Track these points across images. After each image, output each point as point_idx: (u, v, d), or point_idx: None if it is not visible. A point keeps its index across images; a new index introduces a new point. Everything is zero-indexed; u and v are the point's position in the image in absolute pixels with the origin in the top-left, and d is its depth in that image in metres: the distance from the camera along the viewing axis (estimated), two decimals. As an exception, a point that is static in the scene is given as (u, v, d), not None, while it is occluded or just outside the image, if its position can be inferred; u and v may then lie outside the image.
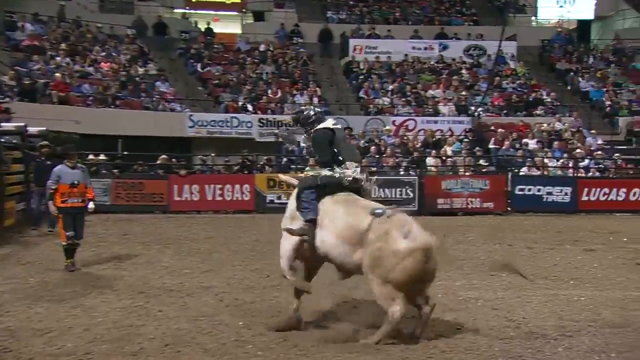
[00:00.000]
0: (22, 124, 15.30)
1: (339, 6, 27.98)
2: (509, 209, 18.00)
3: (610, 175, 19.31)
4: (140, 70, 22.72)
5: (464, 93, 23.22)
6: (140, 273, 9.21)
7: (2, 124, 15.22)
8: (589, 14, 28.27)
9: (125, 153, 19.44)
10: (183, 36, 25.44)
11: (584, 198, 18.23)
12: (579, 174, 19.18)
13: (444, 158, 19.66)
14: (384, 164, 19.39)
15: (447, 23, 27.31)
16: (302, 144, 20.36)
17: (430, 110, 22.65)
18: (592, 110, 23.62)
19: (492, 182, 18.07)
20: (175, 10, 28.11)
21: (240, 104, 22.10)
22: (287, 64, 24.47)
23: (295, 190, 6.62)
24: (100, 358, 5.55)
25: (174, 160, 18.95)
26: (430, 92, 23.30)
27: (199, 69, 23.77)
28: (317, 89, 23.37)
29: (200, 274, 9.21)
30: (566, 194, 18.21)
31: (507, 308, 7.16)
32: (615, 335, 6.10)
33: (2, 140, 14.11)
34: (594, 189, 18.34)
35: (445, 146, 20.18)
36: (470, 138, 20.75)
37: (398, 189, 17.86)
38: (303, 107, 7.46)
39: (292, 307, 6.45)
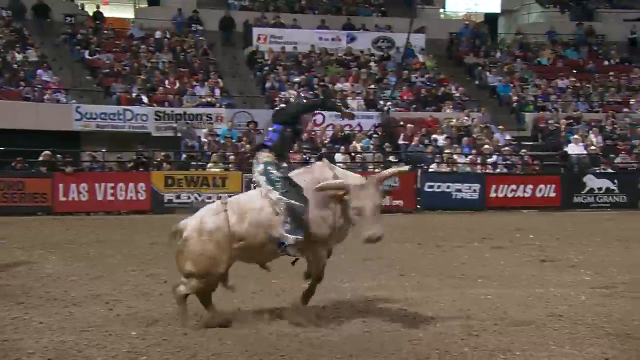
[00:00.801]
0: None
1: (241, -8, 27.84)
2: (418, 206, 18.55)
3: (517, 172, 20.32)
4: (19, 57, 21.65)
5: (372, 87, 23.68)
6: (19, 281, 8.78)
7: None
8: (496, 8, 29.58)
9: (2, 149, 18.46)
10: (68, 20, 24.44)
11: (492, 195, 19.10)
12: (487, 171, 20.05)
13: (353, 154, 20.00)
14: (291, 160, 19.45)
15: (354, 13, 27.74)
16: (204, 139, 20.09)
17: (339, 104, 22.92)
18: (499, 105, 24.72)
19: (401, 179, 18.55)
20: (58, -9, 26.98)
21: (134, 95, 21.51)
22: (185, 53, 24.06)
23: None
24: (-29, 378, 5.26)
25: (59, 156, 18.22)
26: (339, 86, 23.61)
27: (87, 57, 22.94)
28: (219, 80, 23.14)
29: (88, 281, 8.91)
30: (475, 190, 19.00)
31: (415, 308, 7.37)
32: (520, 333, 6.42)
33: None
34: (501, 186, 19.26)
35: (354, 142, 20.53)
36: (379, 133, 21.21)
37: (305, 187, 17.98)
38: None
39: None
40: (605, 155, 21.24)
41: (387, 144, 20.66)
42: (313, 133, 20.81)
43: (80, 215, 16.87)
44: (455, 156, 20.36)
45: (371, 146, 20.49)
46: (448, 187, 18.95)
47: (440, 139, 20.96)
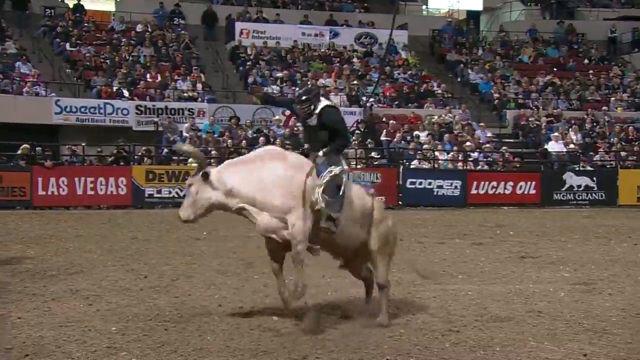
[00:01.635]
0: None
1: (224, -14, 27.70)
2: (400, 202, 18.61)
3: (498, 169, 20.46)
4: (-3, 49, 21.40)
5: (355, 83, 23.69)
6: (-4, 276, 8.70)
7: None
8: (478, 5, 29.74)
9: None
10: (47, 12, 24.18)
11: (473, 191, 19.22)
12: (469, 168, 20.16)
13: (335, 150, 19.98)
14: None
15: (337, 9, 27.77)
16: (185, 134, 20.01)
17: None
18: (481, 102, 24.87)
19: (383, 176, 18.62)
20: (38, -17, 26.65)
21: (115, 89, 21.33)
22: (167, 47, 23.91)
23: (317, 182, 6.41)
24: (-53, 374, 5.19)
25: (38, 149, 18.02)
26: (321, 81, 23.59)
27: (67, 50, 22.71)
28: (201, 74, 23.04)
29: (68, 276, 8.82)
30: (456, 187, 19.10)
31: (396, 304, 7.39)
32: (500, 329, 6.47)
33: None
34: (482, 183, 19.39)
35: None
36: (361, 129, 21.25)
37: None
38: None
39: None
40: (585, 152, 21.46)
41: (369, 140, 20.69)
42: (295, 129, 20.78)
43: (60, 209, 16.70)
44: (436, 153, 20.45)
45: (353, 142, 20.49)
46: (430, 183, 19.04)
47: (422, 136, 21.04)
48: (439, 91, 24.38)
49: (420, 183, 19.00)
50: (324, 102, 6.74)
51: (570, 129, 22.31)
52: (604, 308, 7.32)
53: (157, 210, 17.33)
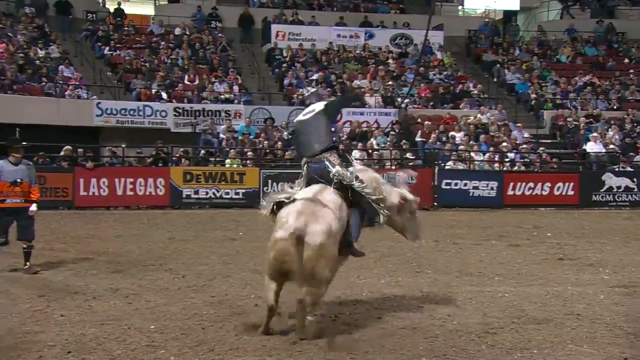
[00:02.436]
0: None
1: (260, -11, 27.85)
2: (435, 204, 18.47)
3: (535, 170, 20.15)
4: (41, 53, 21.85)
5: (390, 83, 23.59)
6: (40, 275, 8.88)
7: None
8: (515, 5, 29.34)
9: (25, 143, 18.56)
10: (89, 17, 24.63)
11: (510, 192, 18.95)
12: (505, 168, 19.90)
13: (370, 151, 19.95)
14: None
15: (372, 10, 27.68)
16: (222, 135, 20.16)
17: (357, 101, 22.88)
18: (517, 103, 24.53)
19: (418, 176, 18.49)
20: (80, -12, 27.18)
21: (153, 91, 21.62)
22: (204, 50, 24.14)
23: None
24: (-7, 369, 5.32)
25: (79, 151, 18.35)
26: (356, 82, 23.56)
27: (108, 53, 23.09)
28: (238, 76, 23.19)
29: (108, 274, 8.97)
30: (492, 188, 18.87)
31: (432, 306, 7.34)
32: (538, 331, 6.37)
33: None
34: (519, 184, 19.10)
35: (371, 139, 20.48)
36: (397, 130, 21.14)
37: (322, 183, 18.01)
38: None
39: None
40: (625, 153, 21.00)
41: (404, 141, 20.58)
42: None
43: (100, 210, 16.98)
44: (472, 154, 20.24)
45: (388, 143, 20.42)
46: (465, 184, 18.84)
47: (458, 136, 20.84)
48: (475, 92, 24.12)
49: (456, 184, 18.82)
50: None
51: (609, 129, 21.86)
52: (644, 311, 7.16)
53: (194, 210, 17.50)
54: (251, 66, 24.77)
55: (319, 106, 6.93)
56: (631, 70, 25.87)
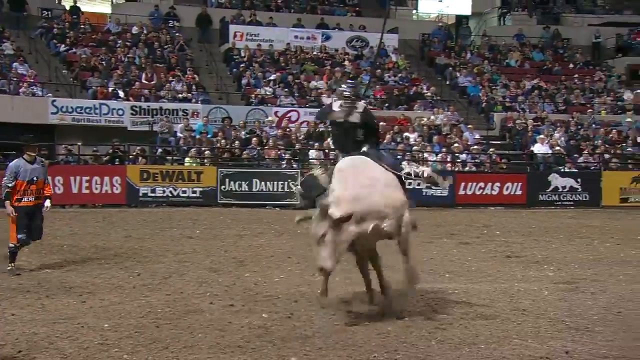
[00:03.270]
0: None
1: (218, -10, 27.61)
2: (389, 202, 18.57)
3: (486, 170, 20.49)
4: (-6, 50, 21.26)
5: (346, 85, 23.58)
6: (-9, 274, 8.65)
7: None
8: (466, 10, 29.79)
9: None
10: (44, 14, 24.03)
11: (461, 192, 19.23)
12: (457, 169, 20.19)
13: (326, 151, 19.98)
14: (266, 157, 19.42)
15: (329, 13, 27.71)
16: (180, 134, 19.94)
17: (314, 101, 22.91)
18: (469, 105, 24.90)
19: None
20: (35, -15, 26.51)
21: (110, 89, 21.23)
22: (162, 49, 23.81)
23: None
24: (-59, 370, 5.14)
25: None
26: (313, 83, 23.57)
27: (64, 51, 22.59)
28: (196, 76, 22.94)
29: (62, 273, 8.79)
30: (445, 188, 19.08)
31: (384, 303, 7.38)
32: (485, 327, 6.48)
33: None
34: (470, 183, 19.40)
35: (328, 139, 20.49)
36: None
37: (280, 182, 18.00)
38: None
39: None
40: (569, 154, 21.52)
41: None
42: (288, 130, 20.76)
43: (55, 208, 16.52)
44: (426, 154, 20.46)
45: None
46: (418, 184, 18.95)
47: (412, 137, 21.05)
48: (428, 94, 24.38)
49: (409, 184, 18.89)
50: (362, 102, 6.93)
51: (555, 131, 22.36)
52: (586, 306, 7.34)
53: (151, 209, 17.26)
54: (209, 66, 24.54)
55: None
56: (575, 75, 26.50)
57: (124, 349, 5.66)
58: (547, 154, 21.23)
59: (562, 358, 5.61)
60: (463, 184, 19.31)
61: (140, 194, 17.49)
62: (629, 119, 23.53)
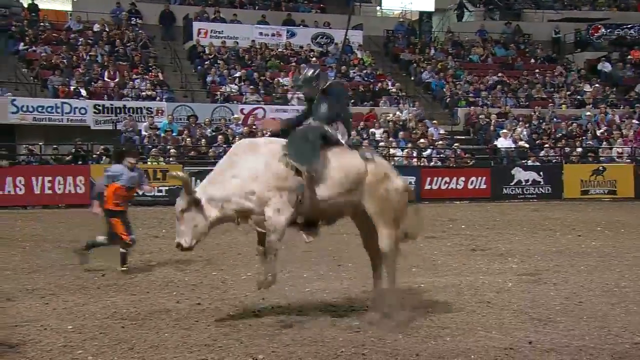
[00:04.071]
0: None
1: (181, -14, 27.33)
2: (355, 198, 18.64)
3: (451, 165, 20.70)
4: (-50, 49, 20.74)
5: (315, 82, 23.61)
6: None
7: None
8: (430, 6, 30.03)
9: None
10: (1, 11, 23.50)
11: (427, 187, 19.39)
12: (422, 164, 20.34)
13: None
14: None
15: (294, 9, 27.69)
16: (144, 132, 19.73)
17: (279, 98, 22.85)
18: (433, 100, 25.12)
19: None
20: (-8, -18, 25.90)
21: (72, 88, 20.88)
22: (125, 46, 23.49)
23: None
24: None
25: (-6, 149, 17.55)
26: (279, 80, 23.50)
27: (22, 49, 22.13)
28: (160, 73, 22.71)
29: (24, 275, 8.62)
30: (410, 183, 19.20)
31: (350, 297, 7.41)
32: (451, 319, 6.54)
33: None
34: (435, 178, 19.58)
35: (293, 136, 20.47)
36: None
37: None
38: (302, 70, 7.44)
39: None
40: (532, 148, 21.85)
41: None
42: (254, 127, 20.67)
43: (17, 209, 16.29)
44: (392, 150, 20.58)
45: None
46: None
47: (378, 133, 21.14)
48: (394, 90, 24.53)
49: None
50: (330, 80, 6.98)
51: (518, 126, 22.69)
52: (548, 297, 7.47)
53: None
54: (173, 63, 24.30)
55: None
56: (537, 70, 26.92)
57: (88, 350, 5.57)
58: (511, 148, 21.54)
59: (526, 348, 5.69)
60: (429, 178, 19.48)
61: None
62: (588, 113, 23.99)
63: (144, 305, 7.05)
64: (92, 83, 21.39)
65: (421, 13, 30.23)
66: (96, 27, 23.95)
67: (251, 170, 6.29)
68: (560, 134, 22.70)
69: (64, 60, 21.89)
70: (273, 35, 25.71)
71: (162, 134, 19.71)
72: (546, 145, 21.92)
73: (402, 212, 6.67)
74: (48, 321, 6.40)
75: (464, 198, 19.51)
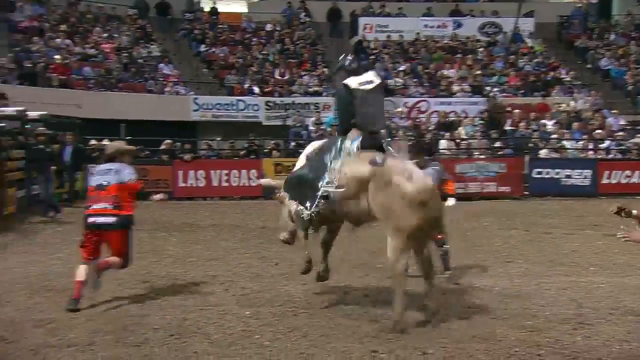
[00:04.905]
0: (22, 108, 15.31)
1: (348, -16, 27.73)
2: (526, 193, 17.89)
3: (632, 157, 19.11)
4: (143, 52, 22.69)
5: (479, 73, 23.00)
6: (144, 262, 9.18)
7: (2, 109, 15.23)
8: (610, -12, 27.91)
9: (129, 138, 19.35)
10: (187, 16, 25.36)
11: (605, 181, 18.08)
12: (599, 156, 19.00)
13: (458, 141, 19.53)
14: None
15: (461, 0, 27.03)
16: (311, 127, 20.33)
17: (444, 91, 22.48)
18: (613, 89, 23.36)
19: (508, 165, 17.96)
20: (178, -11, 27.95)
21: (246, 86, 22.03)
22: (294, 45, 24.33)
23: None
24: (103, 349, 5.56)
25: (178, 145, 18.94)
26: (444, 72, 23.10)
27: (204, 50, 23.71)
28: (326, 69, 23.25)
29: (205, 262, 9.22)
30: (586, 177, 18.07)
31: (523, 296, 7.12)
32: (637, 323, 6.05)
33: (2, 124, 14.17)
34: (615, 172, 18.18)
35: (459, 128, 20.05)
36: (485, 120, 20.60)
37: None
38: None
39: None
40: None
41: (493, 129, 20.00)
42: (418, 120, 20.51)
43: (198, 200, 17.47)
44: (565, 142, 19.43)
45: (477, 132, 19.91)
46: (557, 173, 18.12)
47: (550, 124, 20.07)
48: (568, 78, 23.13)
49: (548, 172, 18.12)
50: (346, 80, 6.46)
51: None
52: None
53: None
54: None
55: (376, 79, 6.55)
56: None
57: (264, 336, 5.84)
58: None
59: None
60: (607, 172, 18.14)
61: (276, 186, 17.96)
62: None
63: (316, 294, 7.24)
64: (264, 81, 22.40)
65: (600, -5, 28.15)
66: (268, 27, 25.04)
67: None
68: None
69: (239, 60, 23.15)
70: (439, 26, 25.30)
71: (328, 129, 20.17)
72: None
73: (410, 220, 5.91)
74: (229, 306, 6.79)
75: (649, 193, 17.92)
